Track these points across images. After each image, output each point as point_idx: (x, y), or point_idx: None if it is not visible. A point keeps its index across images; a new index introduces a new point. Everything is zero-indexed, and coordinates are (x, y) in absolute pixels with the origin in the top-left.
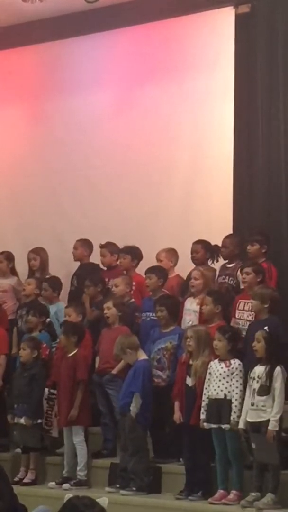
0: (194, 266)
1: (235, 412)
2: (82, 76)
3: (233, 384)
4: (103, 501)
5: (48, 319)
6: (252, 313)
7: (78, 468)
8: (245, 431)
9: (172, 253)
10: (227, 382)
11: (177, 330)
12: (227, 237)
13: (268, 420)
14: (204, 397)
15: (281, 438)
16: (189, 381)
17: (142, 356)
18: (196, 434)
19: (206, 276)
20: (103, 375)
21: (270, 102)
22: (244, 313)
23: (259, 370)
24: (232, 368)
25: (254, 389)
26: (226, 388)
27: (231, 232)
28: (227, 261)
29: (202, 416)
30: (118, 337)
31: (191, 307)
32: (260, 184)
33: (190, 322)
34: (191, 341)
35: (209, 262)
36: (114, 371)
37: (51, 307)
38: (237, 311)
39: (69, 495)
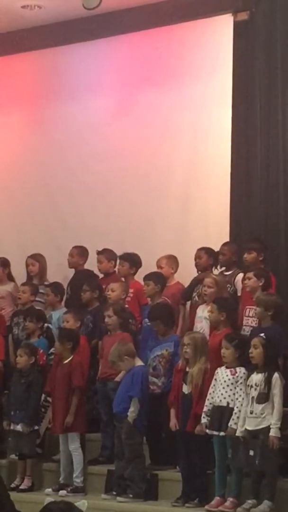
0: (196, 272)
1: (233, 419)
2: (81, 82)
3: (237, 392)
4: (82, 504)
5: (46, 325)
6: (256, 319)
7: (74, 475)
8: (244, 439)
9: (173, 260)
10: (231, 390)
11: (173, 338)
12: (225, 244)
13: (267, 427)
14: (207, 402)
15: (279, 445)
16: (185, 389)
17: (139, 362)
18: (192, 442)
19: (220, 283)
20: (106, 383)
21: (268, 108)
22: (249, 319)
23: (256, 378)
24: (237, 376)
25: (252, 397)
26: (229, 396)
27: (228, 238)
28: (224, 268)
29: (204, 420)
30: (115, 345)
31: (203, 314)
32: (258, 190)
33: (201, 330)
34: (188, 348)
35: (213, 269)
36: (117, 379)
37: (54, 313)
38: (244, 318)
39: (49, 499)
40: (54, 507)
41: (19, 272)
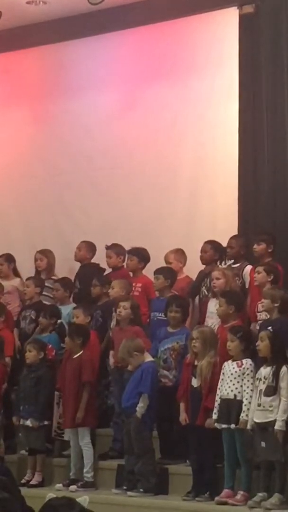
0: (203, 266)
1: (244, 412)
2: (87, 77)
3: (244, 384)
4: (84, 500)
5: (59, 321)
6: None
7: (84, 470)
8: (253, 431)
9: (181, 254)
10: (238, 382)
11: (184, 330)
12: (233, 237)
13: (275, 420)
14: (216, 397)
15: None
16: (195, 382)
17: (148, 358)
18: (202, 435)
19: (228, 275)
20: (122, 372)
21: (275, 102)
22: (262, 314)
23: (265, 371)
24: (244, 368)
25: (260, 390)
26: (236, 388)
27: (236, 232)
28: (232, 261)
29: (214, 416)
30: (123, 341)
31: (214, 310)
32: (265, 184)
33: (213, 325)
34: (197, 342)
35: (218, 264)
36: (130, 368)
37: (64, 308)
38: (257, 314)
39: (51, 495)
40: (56, 503)
41: (27, 268)
